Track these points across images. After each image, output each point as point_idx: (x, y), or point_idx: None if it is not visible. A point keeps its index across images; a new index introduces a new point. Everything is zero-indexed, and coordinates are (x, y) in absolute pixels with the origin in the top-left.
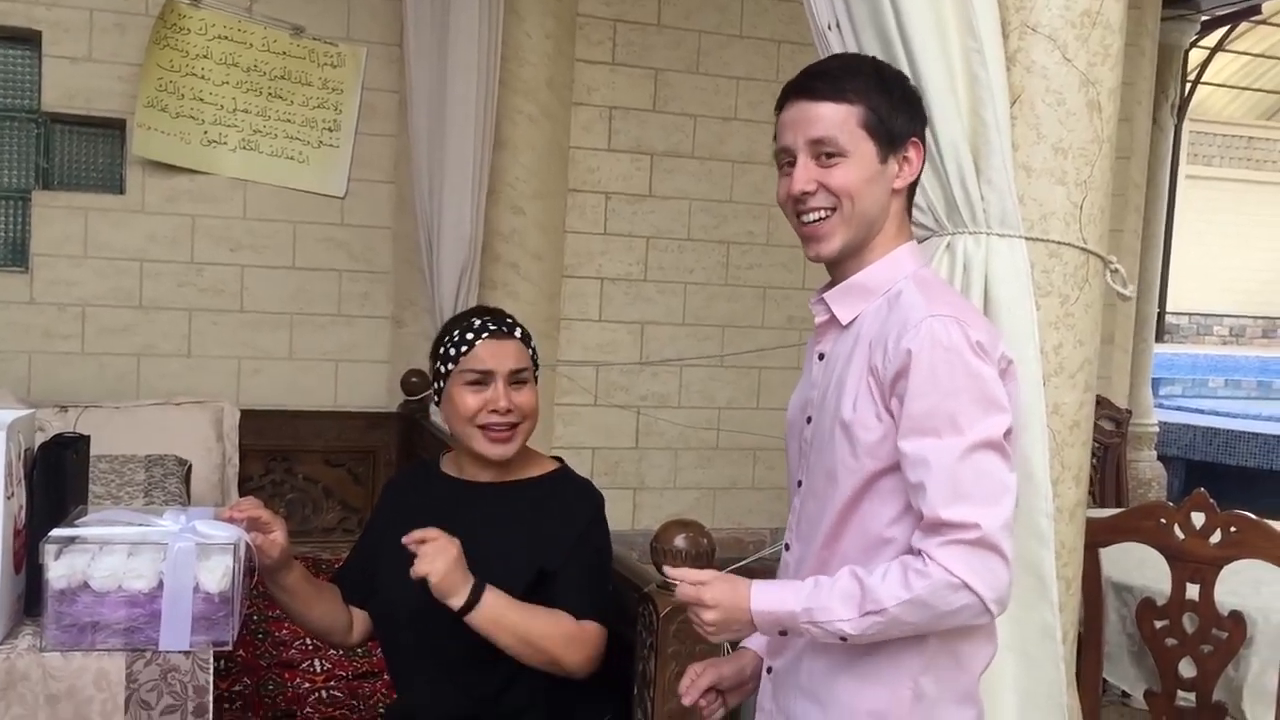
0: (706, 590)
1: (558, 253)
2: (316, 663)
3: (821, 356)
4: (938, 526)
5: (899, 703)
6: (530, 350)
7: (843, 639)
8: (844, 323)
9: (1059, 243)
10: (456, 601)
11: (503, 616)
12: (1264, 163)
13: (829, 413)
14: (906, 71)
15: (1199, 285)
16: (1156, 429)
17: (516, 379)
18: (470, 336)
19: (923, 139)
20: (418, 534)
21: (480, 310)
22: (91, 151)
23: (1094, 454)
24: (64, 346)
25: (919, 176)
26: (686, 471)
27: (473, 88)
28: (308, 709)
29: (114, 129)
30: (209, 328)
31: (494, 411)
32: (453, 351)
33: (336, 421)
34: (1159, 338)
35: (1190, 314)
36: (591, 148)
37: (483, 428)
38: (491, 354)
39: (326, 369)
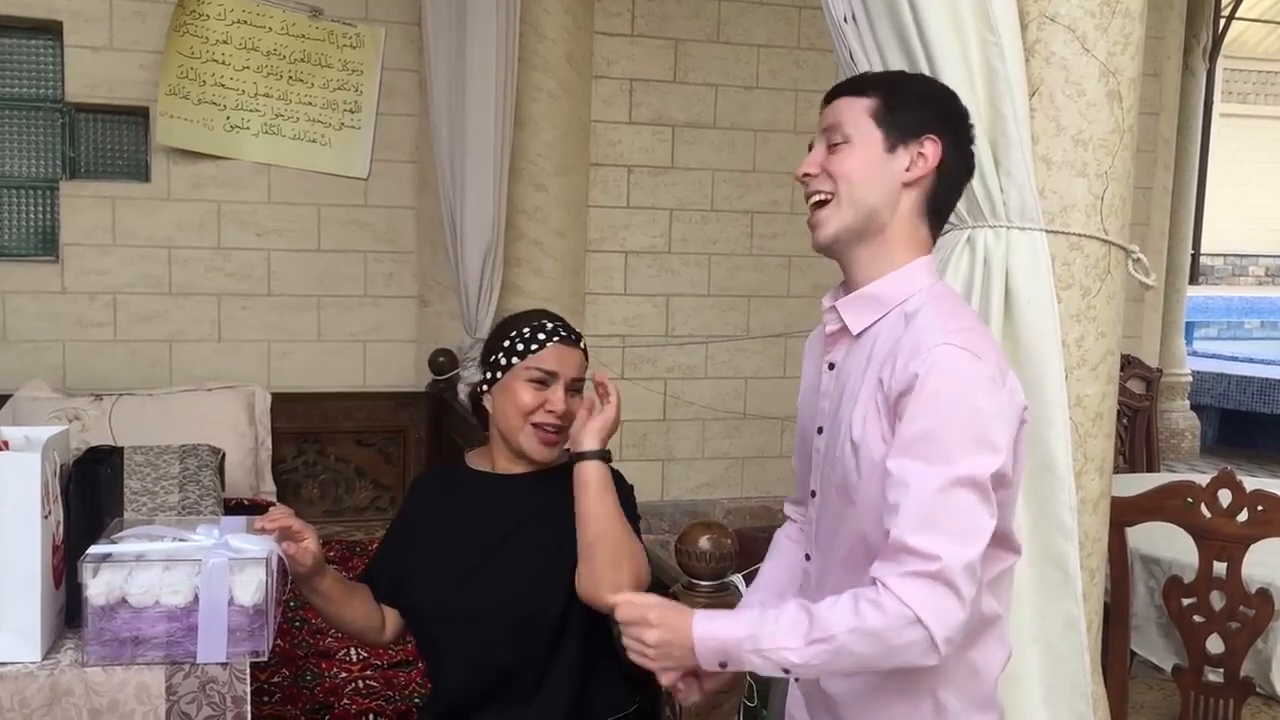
0: (652, 610)
1: (581, 228)
2: (352, 652)
3: (831, 366)
4: (902, 551)
5: (921, 716)
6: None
7: (785, 670)
8: (855, 333)
9: (1080, 235)
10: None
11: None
12: None
13: (840, 429)
14: (923, 63)
15: (1234, 226)
16: (1189, 379)
17: (574, 387)
18: (542, 337)
19: (947, 139)
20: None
21: (547, 314)
22: (116, 140)
23: (1123, 415)
24: (96, 334)
25: (943, 185)
26: (714, 442)
27: (491, 65)
28: (344, 699)
29: (138, 117)
30: (238, 312)
31: (550, 412)
32: (520, 347)
33: (366, 402)
34: (1193, 280)
35: (1225, 255)
36: (613, 121)
37: (536, 426)
38: (559, 359)
39: (355, 350)
